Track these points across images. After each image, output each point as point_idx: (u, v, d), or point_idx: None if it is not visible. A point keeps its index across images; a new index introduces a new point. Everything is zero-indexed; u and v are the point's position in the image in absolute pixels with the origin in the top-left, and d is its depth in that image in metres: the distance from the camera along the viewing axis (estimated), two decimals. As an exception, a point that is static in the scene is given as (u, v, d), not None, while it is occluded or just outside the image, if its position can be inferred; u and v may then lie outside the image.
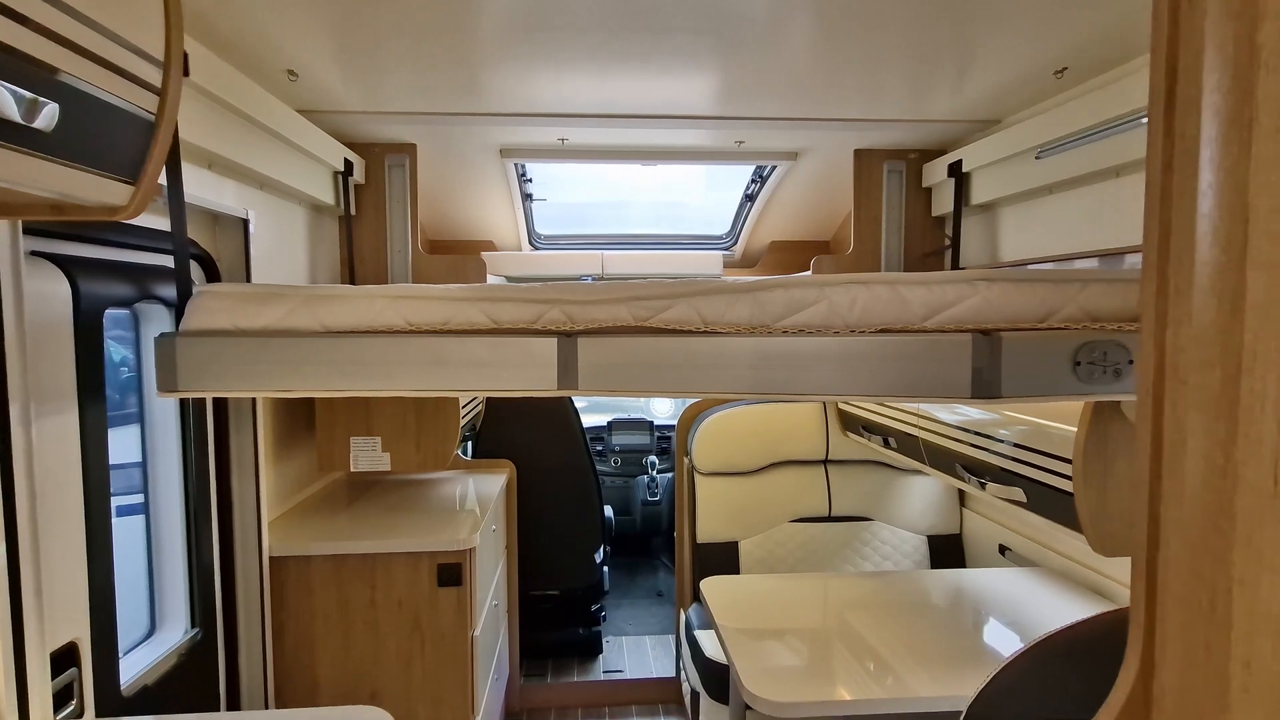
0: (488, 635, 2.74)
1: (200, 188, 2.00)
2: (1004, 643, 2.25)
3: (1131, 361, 1.39)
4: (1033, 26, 2.06)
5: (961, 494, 3.30)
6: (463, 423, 2.89)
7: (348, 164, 2.98)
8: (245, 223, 2.19)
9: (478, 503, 2.88)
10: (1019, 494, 1.89)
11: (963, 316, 1.44)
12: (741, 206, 4.15)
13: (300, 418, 2.78)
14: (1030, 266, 2.71)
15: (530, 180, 3.85)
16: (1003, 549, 2.94)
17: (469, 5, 1.93)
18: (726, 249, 4.40)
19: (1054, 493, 1.78)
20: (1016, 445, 1.90)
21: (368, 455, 2.55)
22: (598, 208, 4.66)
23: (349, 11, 1.94)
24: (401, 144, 3.22)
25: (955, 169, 3.07)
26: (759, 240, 4.33)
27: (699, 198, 4.72)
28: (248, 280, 2.22)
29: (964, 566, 3.17)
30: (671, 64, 2.37)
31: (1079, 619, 1.28)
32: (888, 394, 1.45)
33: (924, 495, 3.27)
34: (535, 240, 4.30)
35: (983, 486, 2.10)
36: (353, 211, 3.14)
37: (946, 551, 3.18)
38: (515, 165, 3.53)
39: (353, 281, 3.13)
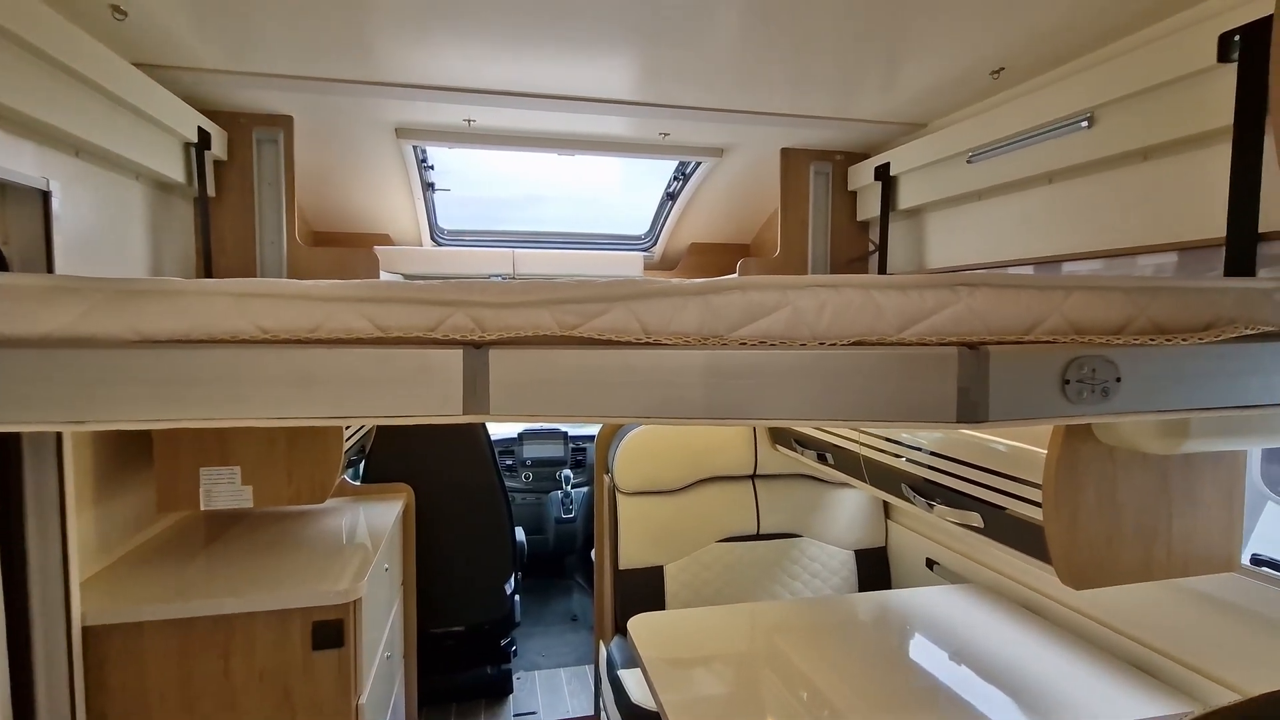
0: (378, 696, 2.34)
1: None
2: (940, 668, 2.13)
3: (1120, 379, 1.26)
4: (969, 25, 1.96)
5: (887, 506, 3.23)
6: (348, 444, 2.47)
7: (203, 134, 2.48)
8: (45, 196, 1.69)
9: (368, 538, 2.46)
10: (975, 519, 1.76)
11: (944, 326, 1.26)
12: (662, 206, 3.93)
13: (135, 443, 2.26)
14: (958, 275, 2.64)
15: (432, 168, 3.44)
16: (930, 563, 2.87)
17: None
18: (646, 250, 4.17)
19: (1015, 519, 1.64)
20: (972, 465, 1.77)
21: (224, 490, 2.08)
22: (508, 204, 4.29)
23: None
24: (275, 115, 2.74)
25: (883, 172, 2.99)
26: (679, 242, 4.13)
27: (617, 195, 4.46)
28: (50, 272, 1.72)
29: (890, 582, 3.09)
30: (592, 43, 2.10)
31: (1240, 699, 1.05)
32: (865, 418, 1.24)
33: (850, 509, 3.16)
34: (438, 235, 3.88)
35: (930, 508, 1.95)
36: (210, 192, 2.63)
37: (874, 566, 3.09)
38: (415, 149, 3.13)
39: (209, 275, 2.61)
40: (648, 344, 1.28)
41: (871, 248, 3.29)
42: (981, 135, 2.42)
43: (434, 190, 3.57)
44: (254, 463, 2.10)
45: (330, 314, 1.28)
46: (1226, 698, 1.79)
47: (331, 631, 1.90)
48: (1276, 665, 1.70)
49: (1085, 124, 2.03)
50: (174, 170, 2.38)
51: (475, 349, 1.28)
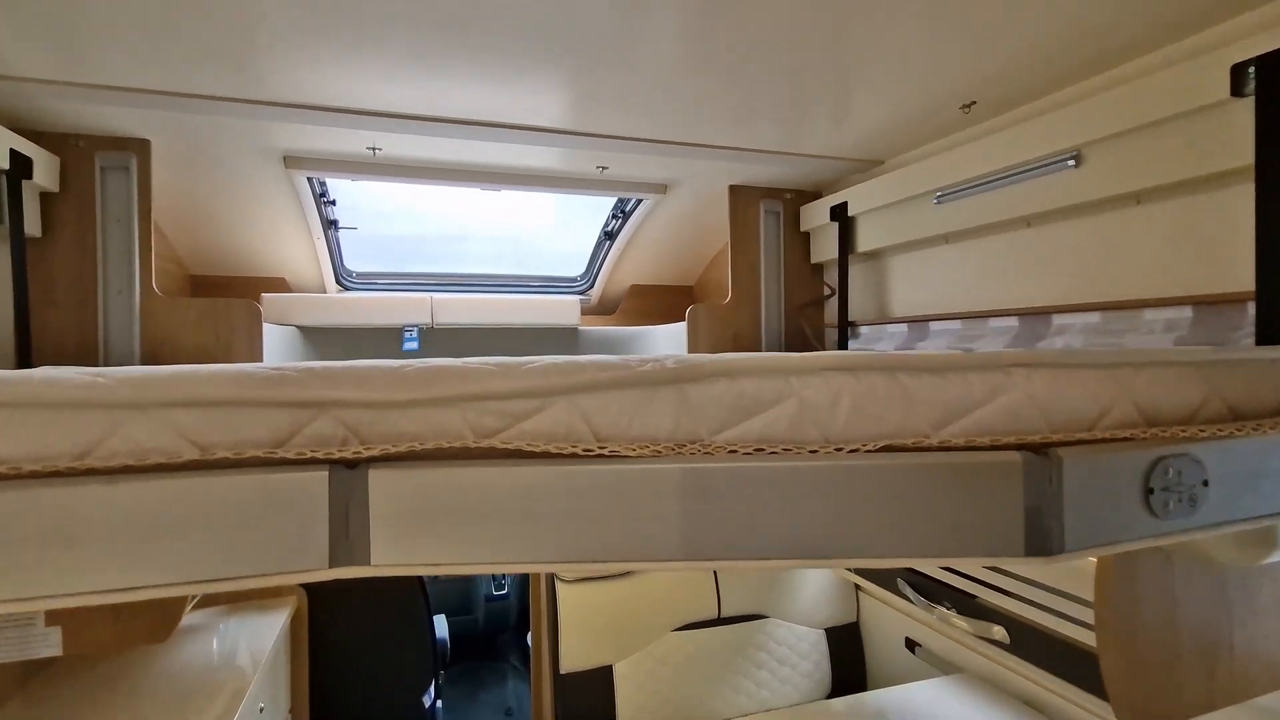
0: None
1: None
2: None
3: (1207, 482, 0.99)
4: (933, 55, 1.74)
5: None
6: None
7: (19, 160, 1.96)
8: None
9: (241, 666, 1.93)
10: (998, 632, 1.45)
11: (996, 422, 0.95)
12: (600, 245, 3.60)
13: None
14: (932, 325, 2.41)
15: (333, 203, 2.98)
16: (911, 644, 2.57)
17: None
18: (582, 292, 3.81)
19: (1051, 639, 1.34)
20: (993, 569, 1.47)
21: (14, 637, 1.52)
22: (428, 241, 3.85)
23: None
24: (125, 138, 2.24)
25: (839, 212, 2.76)
26: (618, 283, 3.81)
27: (550, 232, 4.11)
28: None
29: (865, 667, 2.77)
30: (515, 64, 1.76)
31: None
32: (902, 554, 0.90)
33: (818, 582, 2.84)
34: (344, 278, 3.39)
35: (931, 610, 1.64)
36: (33, 231, 2.09)
37: (847, 648, 2.77)
38: (311, 181, 2.67)
39: (26, 340, 2.05)
40: (601, 455, 0.91)
41: (828, 291, 3.05)
42: (950, 174, 2.22)
43: (337, 228, 3.10)
44: (63, 595, 1.55)
45: (116, 426, 0.84)
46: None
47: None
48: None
49: (1071, 163, 1.83)
50: (-25, 204, 1.85)
51: (348, 469, 0.87)
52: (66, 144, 2.18)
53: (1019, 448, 0.92)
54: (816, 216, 2.93)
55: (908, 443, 0.92)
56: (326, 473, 0.86)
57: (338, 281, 3.35)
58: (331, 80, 1.88)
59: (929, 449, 0.92)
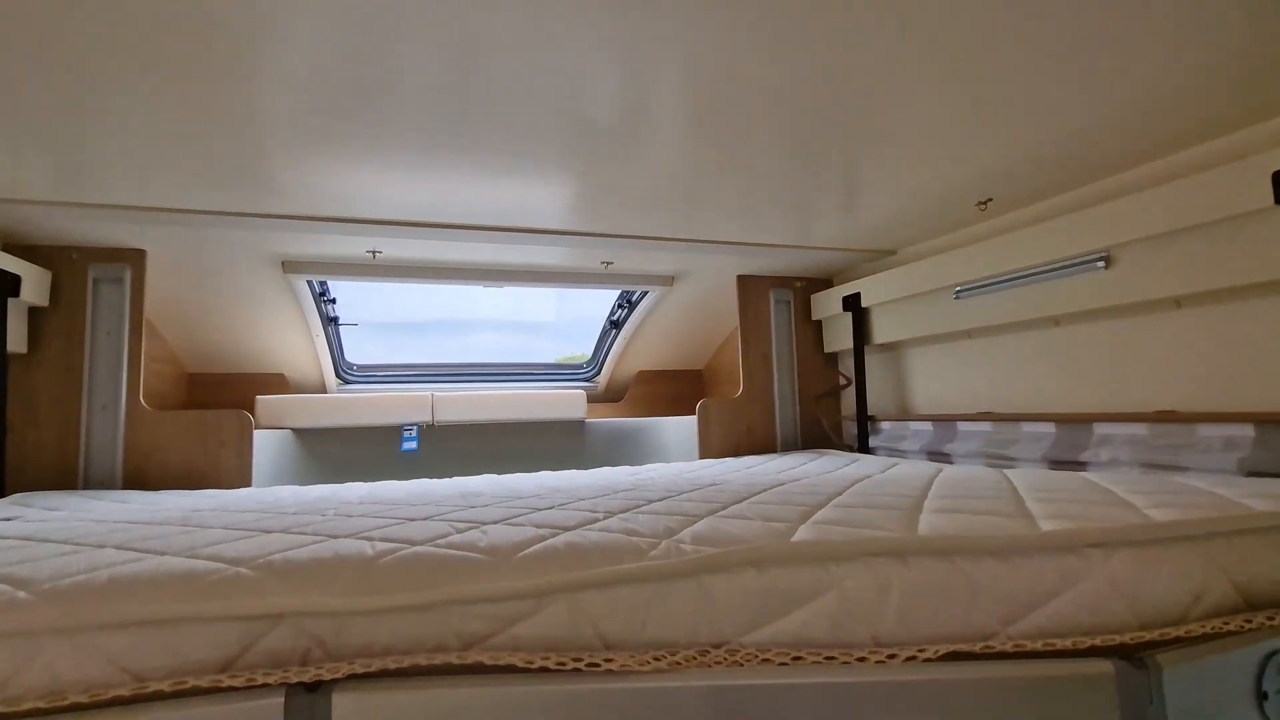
0: None
1: None
2: None
3: (1330, 679, 0.83)
4: (946, 151, 1.67)
5: None
6: None
7: (6, 279, 1.90)
8: None
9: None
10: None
11: (1075, 617, 0.80)
12: (605, 334, 3.52)
13: None
14: (960, 425, 2.27)
15: (334, 301, 2.92)
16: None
17: (237, 63, 1.15)
18: (588, 379, 3.71)
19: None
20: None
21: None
22: (431, 328, 3.79)
23: (8, 56, 1.09)
24: (120, 249, 2.20)
25: (852, 302, 2.67)
26: (625, 369, 3.70)
27: (552, 314, 4.06)
28: None
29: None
30: (519, 167, 1.71)
31: None
32: (979, 796, 0.74)
33: None
34: (344, 371, 3.30)
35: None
36: (18, 348, 2.02)
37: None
38: (310, 282, 2.62)
39: (1, 465, 1.93)
40: (609, 670, 0.77)
41: (844, 381, 2.93)
42: (969, 269, 2.13)
43: (338, 324, 3.04)
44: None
45: (33, 655, 0.71)
46: None
47: None
48: None
49: (1101, 264, 1.74)
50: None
51: (307, 692, 0.73)
52: (60, 256, 2.14)
53: (1107, 653, 0.77)
54: (829, 306, 2.85)
55: (974, 647, 0.78)
56: (282, 699, 0.72)
57: (338, 375, 3.26)
58: (333, 190, 1.84)
59: (1000, 655, 0.78)
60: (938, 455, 2.30)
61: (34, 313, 2.10)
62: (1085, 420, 1.82)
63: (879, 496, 1.23)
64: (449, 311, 3.83)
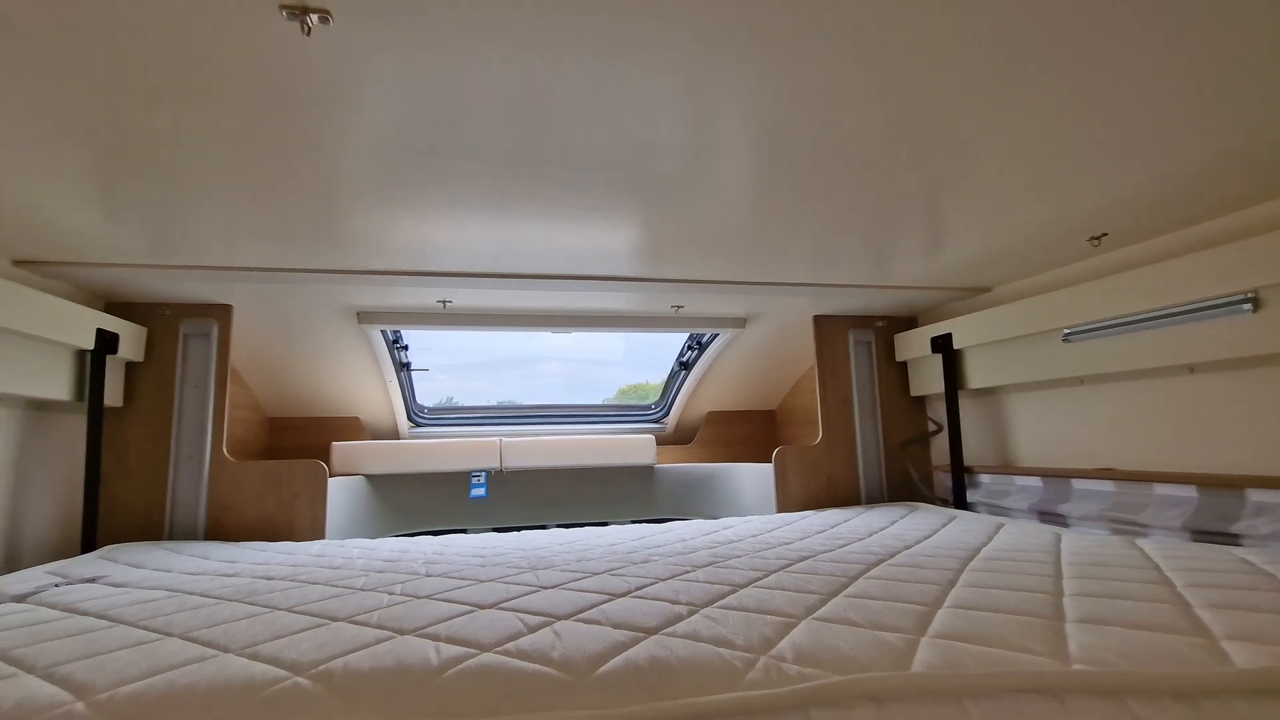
0: None
1: None
2: None
3: None
4: (1052, 185, 1.49)
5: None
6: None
7: (105, 337, 1.99)
8: None
9: None
10: None
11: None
12: (674, 375, 3.43)
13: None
14: (1076, 482, 2.03)
15: (406, 347, 2.96)
16: None
17: (308, 137, 1.16)
18: (657, 421, 3.61)
19: None
20: None
21: None
22: (501, 365, 3.81)
23: (111, 146, 1.16)
24: (207, 305, 2.28)
25: (942, 343, 2.48)
26: (695, 410, 3.59)
27: (619, 343, 4.02)
28: None
29: None
30: (587, 216, 1.66)
31: None
32: None
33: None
34: (415, 414, 3.34)
35: None
36: (114, 401, 2.10)
37: None
38: (384, 331, 2.66)
39: (93, 516, 2.00)
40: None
41: (934, 427, 2.72)
42: (1080, 309, 1.92)
43: (410, 370, 3.07)
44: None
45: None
46: None
47: None
48: None
49: (1247, 307, 1.52)
50: (54, 388, 1.86)
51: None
52: (154, 314, 2.23)
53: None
54: (915, 347, 2.66)
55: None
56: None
57: (410, 419, 3.29)
58: (405, 245, 1.84)
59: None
60: (1050, 517, 2.07)
61: (130, 367, 2.20)
62: (1236, 484, 1.58)
63: (1005, 593, 1.06)
64: (516, 343, 3.85)
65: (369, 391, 3.08)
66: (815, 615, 0.95)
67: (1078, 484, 2.01)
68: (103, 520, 2.10)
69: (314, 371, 2.90)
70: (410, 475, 2.93)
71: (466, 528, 3.06)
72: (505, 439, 3.03)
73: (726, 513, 3.01)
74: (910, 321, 2.82)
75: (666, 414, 3.59)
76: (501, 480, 3.07)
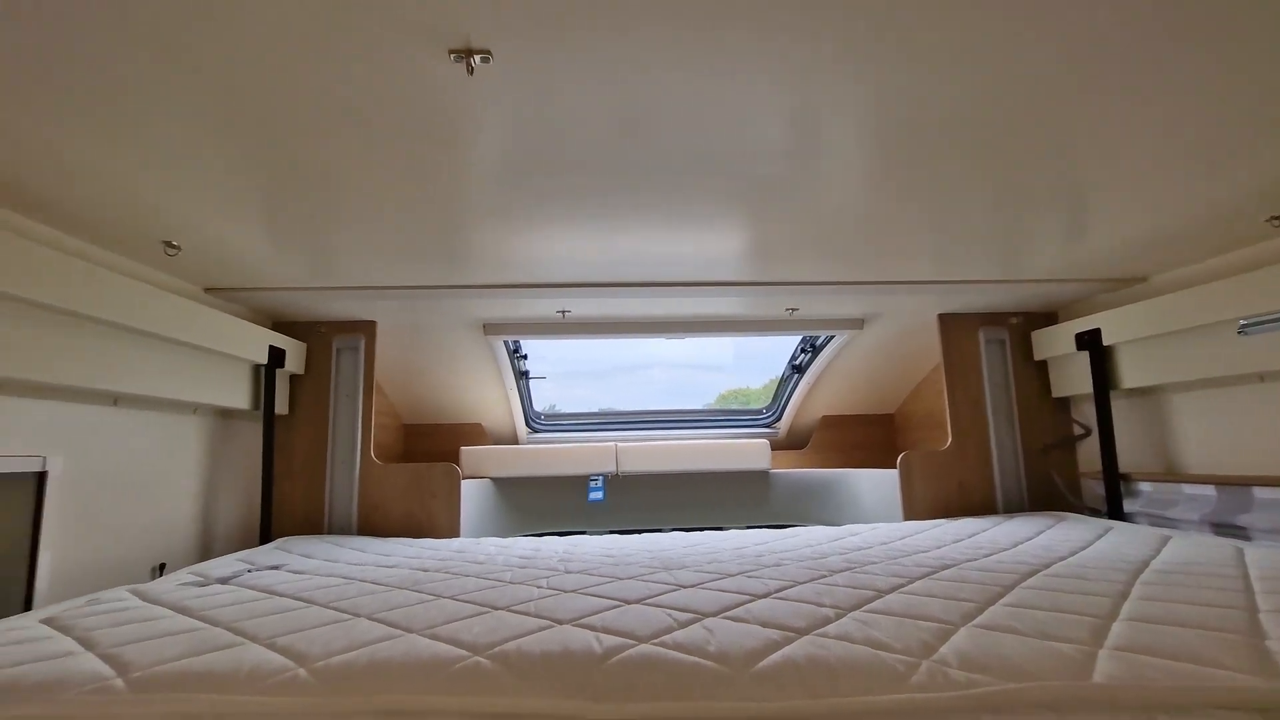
0: None
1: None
2: None
3: None
4: (1221, 156, 1.33)
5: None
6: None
7: (275, 353, 2.24)
8: (41, 476, 1.38)
9: None
10: None
11: None
12: (786, 379, 3.37)
13: None
14: (1259, 491, 1.81)
15: (525, 357, 3.12)
16: None
17: (443, 163, 1.27)
18: (768, 426, 3.57)
19: None
20: None
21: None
22: (612, 371, 3.92)
23: (279, 181, 1.33)
24: (356, 321, 2.51)
25: (1088, 339, 2.28)
26: (808, 414, 3.51)
27: (729, 356, 4.02)
28: (34, 551, 1.36)
29: None
30: (696, 224, 1.68)
31: None
32: None
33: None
34: (533, 421, 3.50)
35: None
36: (282, 409, 2.36)
37: None
38: (506, 342, 2.81)
39: (269, 512, 2.26)
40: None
41: (1081, 430, 2.51)
42: (1260, 298, 1.72)
43: (528, 378, 3.23)
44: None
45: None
46: None
47: None
48: None
49: None
50: (237, 398, 2.12)
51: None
52: (312, 331, 2.49)
53: None
54: (1056, 344, 2.47)
55: None
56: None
57: (528, 424, 3.45)
58: (526, 259, 1.95)
59: None
60: (1227, 529, 1.85)
61: (293, 379, 2.46)
62: None
63: (1188, 607, 0.97)
64: (621, 350, 3.95)
65: (491, 399, 3.26)
66: (974, 622, 0.91)
67: (1260, 493, 1.79)
68: (274, 515, 2.36)
69: (443, 380, 3.12)
70: (532, 478, 3.07)
71: (585, 530, 3.16)
72: (620, 444, 3.11)
73: (846, 519, 2.93)
74: (1049, 317, 2.62)
75: (778, 418, 3.54)
76: (618, 484, 3.14)
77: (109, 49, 0.89)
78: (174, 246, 1.64)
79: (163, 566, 1.87)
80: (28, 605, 1.37)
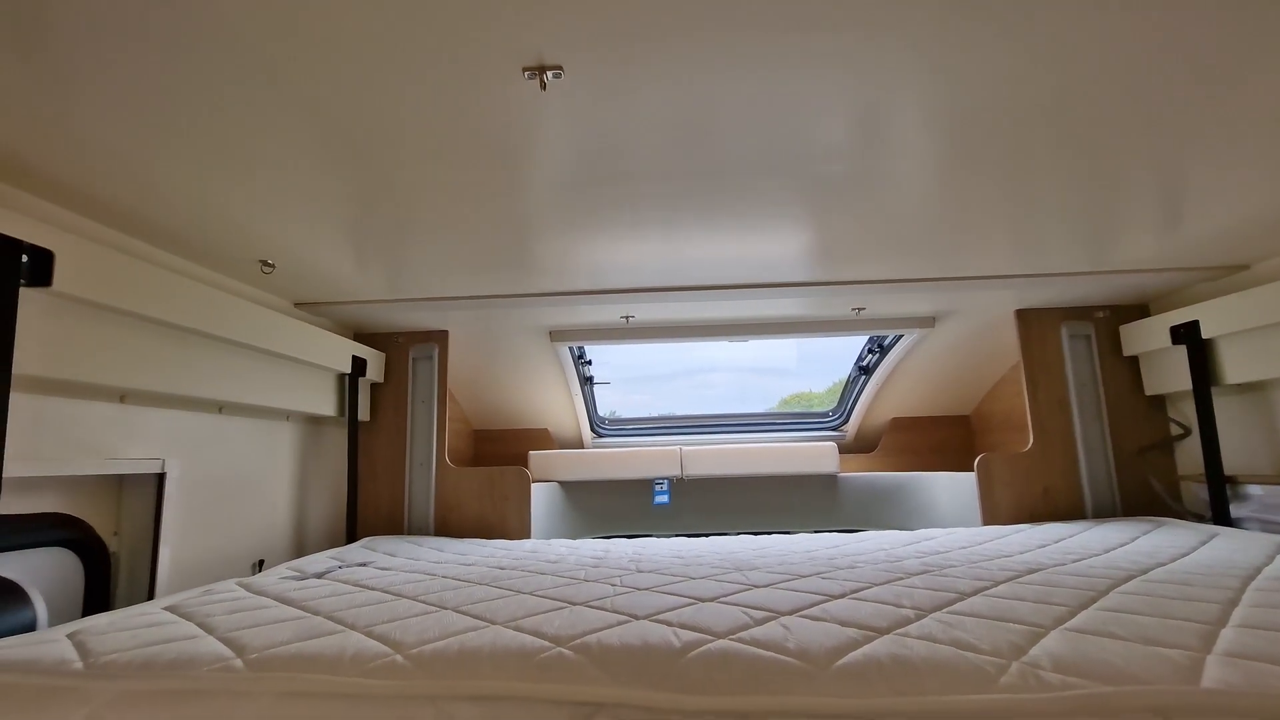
0: None
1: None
2: None
3: None
4: None
5: None
6: None
7: (357, 363, 2.37)
8: (160, 477, 1.51)
9: None
10: None
11: None
12: (853, 381, 3.30)
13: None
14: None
15: (589, 362, 3.17)
16: None
17: (514, 177, 1.33)
18: (835, 429, 3.49)
19: None
20: None
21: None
22: (661, 380, 3.94)
23: (366, 202, 1.42)
24: (430, 331, 2.63)
25: (1186, 332, 2.14)
26: (877, 416, 3.42)
27: (792, 359, 3.97)
28: (156, 547, 1.49)
29: None
30: (758, 224, 1.67)
31: None
32: None
33: None
34: (598, 426, 3.55)
35: None
36: (364, 416, 2.49)
37: None
38: (571, 348, 2.87)
39: (354, 513, 2.39)
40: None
41: (1180, 431, 2.35)
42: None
43: (593, 384, 3.29)
44: None
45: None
46: None
47: None
48: None
49: None
50: (324, 406, 2.25)
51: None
52: (390, 341, 2.62)
53: None
54: (1148, 338, 2.32)
55: None
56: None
57: (592, 429, 3.51)
58: (591, 266, 1.99)
59: None
60: (1354, 535, 1.69)
61: (374, 388, 2.59)
62: None
63: (1312, 612, 0.90)
64: (681, 355, 3.96)
65: (557, 405, 3.33)
66: (1066, 626, 0.88)
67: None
68: (359, 515, 2.49)
69: (512, 388, 3.21)
70: (598, 482, 3.11)
71: (651, 533, 3.18)
72: (685, 447, 3.12)
73: (920, 524, 2.83)
74: (1139, 310, 2.47)
75: (845, 421, 3.47)
76: (683, 488, 3.15)
77: (226, 88, 0.98)
78: (269, 265, 1.77)
79: (261, 562, 2.00)
80: (150, 594, 1.50)
